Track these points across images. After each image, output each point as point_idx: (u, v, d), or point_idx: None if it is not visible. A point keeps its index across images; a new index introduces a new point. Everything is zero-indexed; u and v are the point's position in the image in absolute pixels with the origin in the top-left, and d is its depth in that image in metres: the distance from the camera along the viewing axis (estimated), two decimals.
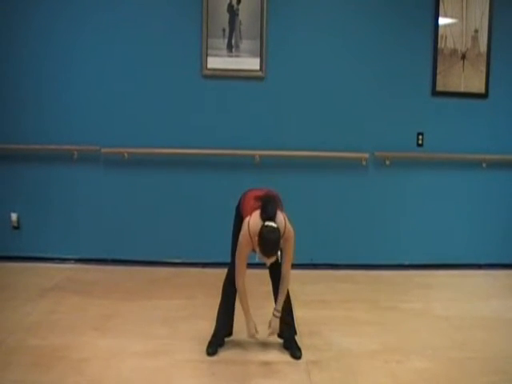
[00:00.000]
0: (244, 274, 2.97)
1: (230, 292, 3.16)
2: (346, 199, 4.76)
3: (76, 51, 4.57)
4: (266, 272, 3.16)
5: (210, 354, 3.08)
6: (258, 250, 2.78)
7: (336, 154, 4.65)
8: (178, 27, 4.58)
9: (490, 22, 4.69)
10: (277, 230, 2.76)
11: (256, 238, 2.76)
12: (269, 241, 2.72)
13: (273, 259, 2.82)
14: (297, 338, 3.18)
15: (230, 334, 3.23)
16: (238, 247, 2.91)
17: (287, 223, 2.88)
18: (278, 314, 3.05)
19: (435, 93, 4.71)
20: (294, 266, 4.52)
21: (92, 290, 4.07)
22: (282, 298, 3.04)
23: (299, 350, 3.10)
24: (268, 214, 2.80)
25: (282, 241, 2.80)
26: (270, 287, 3.19)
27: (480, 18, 4.69)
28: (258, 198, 2.90)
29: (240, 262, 2.94)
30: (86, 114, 4.62)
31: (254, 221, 2.84)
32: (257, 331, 3.08)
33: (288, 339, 3.15)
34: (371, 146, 4.69)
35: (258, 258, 2.82)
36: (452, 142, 4.75)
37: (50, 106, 4.61)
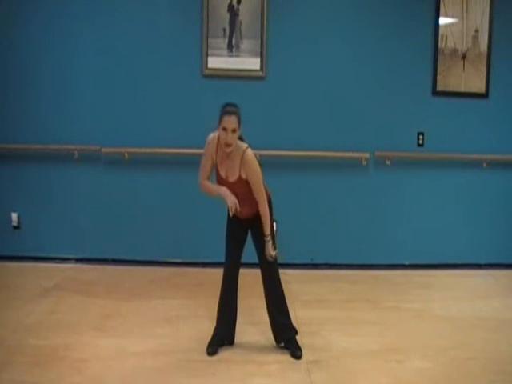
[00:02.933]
0: (206, 176, 3.17)
1: (229, 292, 3.17)
2: (346, 199, 4.75)
3: (76, 51, 4.56)
4: None
5: (210, 353, 3.07)
6: (220, 123, 2.93)
7: (336, 153, 4.65)
8: (178, 27, 4.57)
9: (491, 22, 4.68)
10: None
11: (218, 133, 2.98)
12: (229, 105, 2.95)
13: (232, 124, 2.90)
14: (297, 337, 3.17)
15: (232, 342, 3.19)
16: (204, 152, 3.12)
17: (249, 150, 3.00)
18: (267, 239, 3.04)
19: (435, 93, 4.71)
20: (295, 266, 4.61)
21: (92, 289, 4.07)
22: (265, 226, 3.04)
23: (299, 349, 3.10)
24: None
25: (243, 163, 2.96)
26: None
27: (480, 18, 4.69)
28: None
29: (204, 164, 3.16)
30: (86, 113, 4.62)
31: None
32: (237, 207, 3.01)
33: (288, 339, 3.15)
34: (371, 145, 4.68)
35: (222, 128, 2.93)
36: (452, 142, 4.74)
37: (50, 106, 4.61)
